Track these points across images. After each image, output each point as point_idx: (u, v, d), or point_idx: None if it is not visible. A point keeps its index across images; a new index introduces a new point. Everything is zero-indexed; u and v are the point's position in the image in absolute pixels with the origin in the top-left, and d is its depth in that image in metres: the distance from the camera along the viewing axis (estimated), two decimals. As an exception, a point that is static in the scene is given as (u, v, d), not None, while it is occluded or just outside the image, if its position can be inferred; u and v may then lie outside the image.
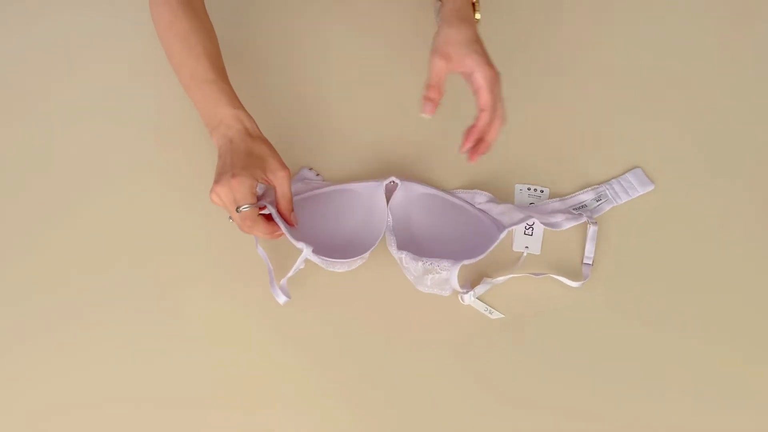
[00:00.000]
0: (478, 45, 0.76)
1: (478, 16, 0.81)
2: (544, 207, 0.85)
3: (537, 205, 0.85)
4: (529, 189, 0.87)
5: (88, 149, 0.92)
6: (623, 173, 0.88)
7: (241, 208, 0.73)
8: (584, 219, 0.82)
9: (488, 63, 0.75)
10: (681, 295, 0.81)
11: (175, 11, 0.82)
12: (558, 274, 0.81)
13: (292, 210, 0.78)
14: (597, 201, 0.86)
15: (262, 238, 0.77)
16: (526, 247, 0.83)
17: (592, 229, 0.82)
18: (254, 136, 0.77)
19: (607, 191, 0.86)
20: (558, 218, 0.82)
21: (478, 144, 0.77)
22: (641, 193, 0.87)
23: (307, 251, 0.75)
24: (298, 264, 0.76)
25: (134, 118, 0.94)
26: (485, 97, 0.75)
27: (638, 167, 0.89)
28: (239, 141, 0.76)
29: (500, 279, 0.80)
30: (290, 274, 0.77)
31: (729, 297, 0.81)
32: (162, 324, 0.81)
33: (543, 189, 0.87)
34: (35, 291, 0.83)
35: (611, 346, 0.78)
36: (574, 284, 0.80)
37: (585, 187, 0.87)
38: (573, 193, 0.86)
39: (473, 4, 0.81)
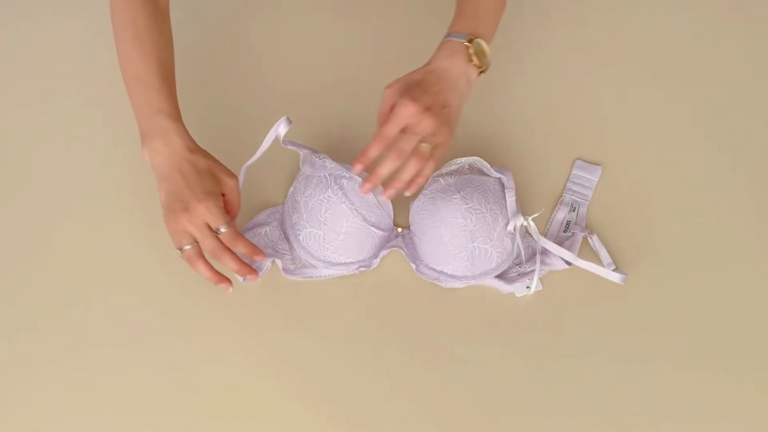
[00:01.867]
0: (418, 84, 0.74)
1: (472, 53, 0.77)
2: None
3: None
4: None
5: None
6: (568, 173, 0.90)
7: (220, 230, 0.74)
8: (581, 235, 0.83)
9: (413, 99, 0.72)
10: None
11: (135, 7, 0.80)
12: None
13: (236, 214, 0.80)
14: (573, 210, 0.86)
15: (234, 263, 0.75)
16: (528, 288, 0.82)
17: (594, 240, 0.83)
18: (194, 150, 0.76)
19: (571, 197, 0.87)
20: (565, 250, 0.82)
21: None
22: (597, 180, 0.89)
23: (283, 125, 0.78)
24: (270, 137, 0.78)
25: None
26: (389, 124, 0.73)
27: (576, 159, 0.89)
28: (182, 160, 0.75)
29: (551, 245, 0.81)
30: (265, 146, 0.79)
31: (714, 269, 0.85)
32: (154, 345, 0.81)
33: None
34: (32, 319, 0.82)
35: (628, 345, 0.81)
36: (617, 278, 0.80)
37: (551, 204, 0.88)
38: (548, 219, 0.87)
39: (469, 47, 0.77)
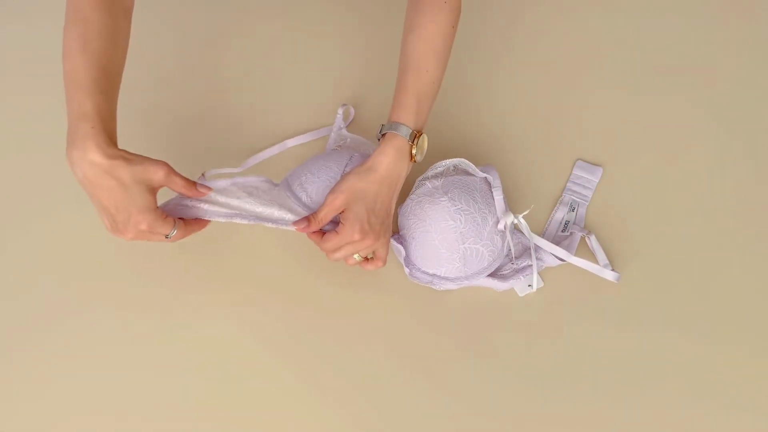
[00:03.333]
0: (367, 206, 0.76)
1: (414, 151, 0.79)
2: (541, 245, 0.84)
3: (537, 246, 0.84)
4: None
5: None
6: (569, 173, 0.90)
7: (170, 236, 0.75)
8: (579, 235, 0.84)
9: (362, 227, 0.75)
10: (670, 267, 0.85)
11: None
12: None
13: (194, 186, 0.76)
14: (572, 210, 0.87)
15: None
16: (529, 285, 0.83)
17: (592, 240, 0.84)
18: (112, 156, 0.70)
19: (571, 197, 0.88)
20: (557, 247, 0.83)
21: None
22: (597, 181, 0.89)
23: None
24: None
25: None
26: (332, 239, 0.76)
27: (578, 159, 0.90)
28: (103, 174, 0.70)
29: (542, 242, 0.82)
30: None
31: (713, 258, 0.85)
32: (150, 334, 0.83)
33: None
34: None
35: (621, 344, 0.81)
36: (611, 277, 0.81)
37: (550, 204, 0.88)
38: (547, 218, 0.88)
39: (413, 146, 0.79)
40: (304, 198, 0.80)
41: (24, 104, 0.98)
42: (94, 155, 0.69)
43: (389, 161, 0.77)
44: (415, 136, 0.78)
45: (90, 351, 0.81)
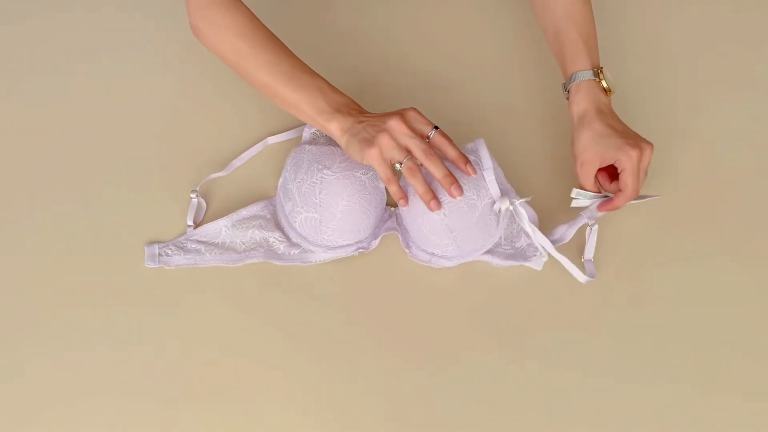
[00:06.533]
0: (611, 134, 0.79)
1: (605, 84, 0.82)
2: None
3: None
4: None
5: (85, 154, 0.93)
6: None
7: (432, 133, 0.77)
8: (583, 221, 0.83)
9: (629, 144, 0.77)
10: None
11: (248, 17, 0.84)
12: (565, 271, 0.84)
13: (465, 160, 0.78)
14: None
15: (442, 171, 0.76)
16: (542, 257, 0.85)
17: (593, 230, 0.84)
18: (364, 112, 0.81)
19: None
20: (559, 231, 0.85)
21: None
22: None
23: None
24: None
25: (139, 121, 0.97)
26: (625, 180, 0.79)
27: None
28: (363, 120, 0.79)
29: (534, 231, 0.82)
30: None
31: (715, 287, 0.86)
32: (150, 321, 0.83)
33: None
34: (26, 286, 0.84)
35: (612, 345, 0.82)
36: (582, 278, 0.82)
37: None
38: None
39: (600, 79, 0.82)
40: (292, 235, 0.83)
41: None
42: (356, 115, 0.80)
43: (589, 106, 0.81)
44: (598, 72, 0.82)
45: (82, 381, 0.80)
